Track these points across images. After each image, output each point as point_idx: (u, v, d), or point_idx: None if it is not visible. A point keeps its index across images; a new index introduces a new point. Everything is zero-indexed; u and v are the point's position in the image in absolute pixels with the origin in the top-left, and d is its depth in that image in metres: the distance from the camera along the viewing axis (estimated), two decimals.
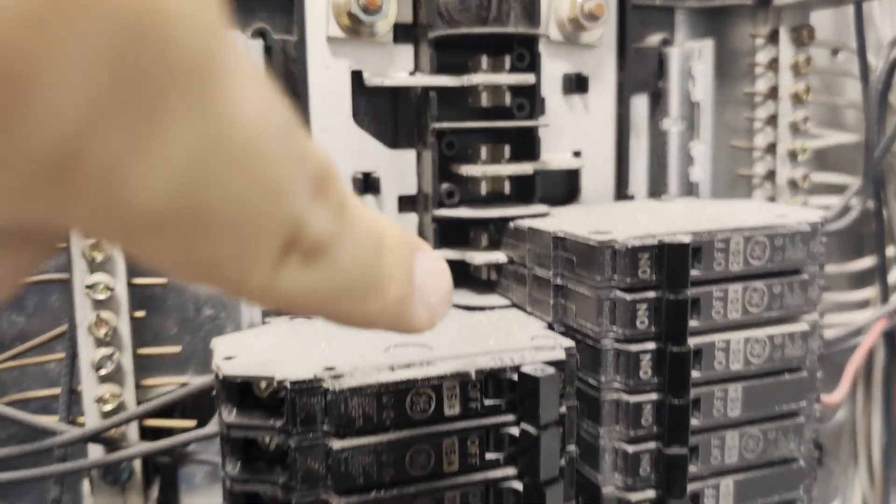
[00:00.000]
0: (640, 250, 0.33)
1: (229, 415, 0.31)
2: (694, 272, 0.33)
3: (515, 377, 0.31)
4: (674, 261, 0.32)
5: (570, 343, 0.33)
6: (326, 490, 0.30)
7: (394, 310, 0.20)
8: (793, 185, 0.48)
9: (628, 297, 0.33)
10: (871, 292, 0.54)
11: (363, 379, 0.29)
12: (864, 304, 0.54)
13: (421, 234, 0.42)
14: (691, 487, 0.35)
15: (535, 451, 0.30)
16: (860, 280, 0.54)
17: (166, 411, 0.38)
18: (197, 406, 0.39)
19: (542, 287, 0.37)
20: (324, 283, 0.18)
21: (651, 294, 0.33)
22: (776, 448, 0.36)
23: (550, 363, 0.31)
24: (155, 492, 0.39)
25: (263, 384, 0.31)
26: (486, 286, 0.42)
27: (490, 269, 0.42)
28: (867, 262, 0.53)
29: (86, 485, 0.39)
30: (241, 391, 0.31)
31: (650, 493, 0.34)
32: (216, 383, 0.31)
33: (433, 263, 0.22)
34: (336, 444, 0.29)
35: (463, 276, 0.43)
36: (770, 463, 0.37)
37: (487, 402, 0.31)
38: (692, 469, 0.35)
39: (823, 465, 0.55)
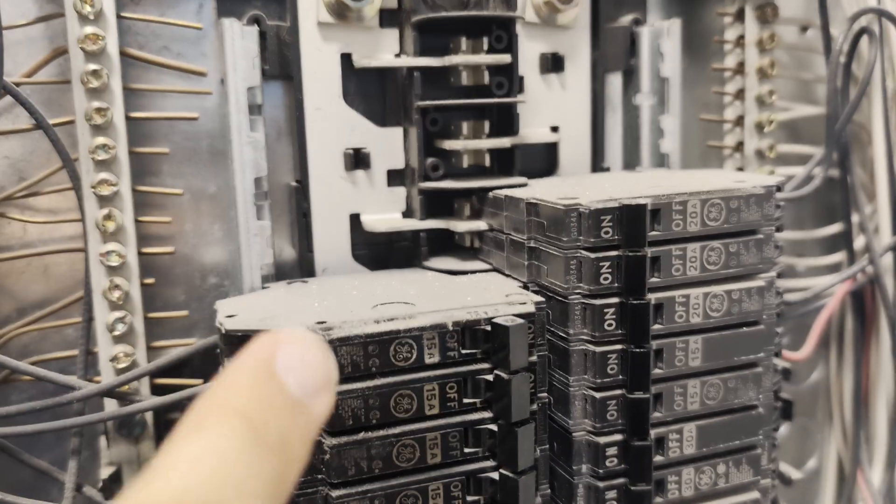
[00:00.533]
0: (602, 212, 0.36)
1: None
2: (654, 233, 0.36)
3: (489, 328, 0.34)
4: (632, 220, 0.36)
5: (540, 299, 0.36)
6: (319, 432, 0.33)
7: (307, 442, 0.22)
8: (760, 155, 0.51)
9: (592, 255, 0.36)
10: (840, 257, 0.57)
11: (351, 330, 0.33)
12: (835, 269, 0.57)
13: (409, 205, 0.46)
14: (656, 432, 0.38)
15: (507, 394, 0.34)
16: (831, 246, 0.57)
17: (176, 371, 0.42)
18: (204, 366, 0.43)
19: (517, 251, 0.40)
20: None
21: (614, 253, 0.36)
22: (736, 396, 0.39)
23: (521, 315, 0.34)
24: None
25: None
26: (470, 253, 0.46)
27: (473, 237, 0.45)
28: (836, 228, 0.56)
29: (102, 441, 0.42)
30: (242, 345, 0.34)
31: (617, 437, 0.37)
32: (219, 339, 0.35)
33: (289, 354, 0.22)
34: None
35: (448, 244, 0.46)
36: (731, 410, 0.40)
37: (464, 351, 0.34)
38: (656, 415, 0.38)
39: (794, 420, 0.58)
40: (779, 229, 0.41)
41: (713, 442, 0.39)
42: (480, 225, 0.43)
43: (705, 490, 0.39)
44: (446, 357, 0.34)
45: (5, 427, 0.37)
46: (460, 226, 0.43)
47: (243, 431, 0.20)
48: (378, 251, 0.46)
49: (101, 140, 0.38)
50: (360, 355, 0.33)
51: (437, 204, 0.45)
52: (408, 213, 0.46)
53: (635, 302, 0.36)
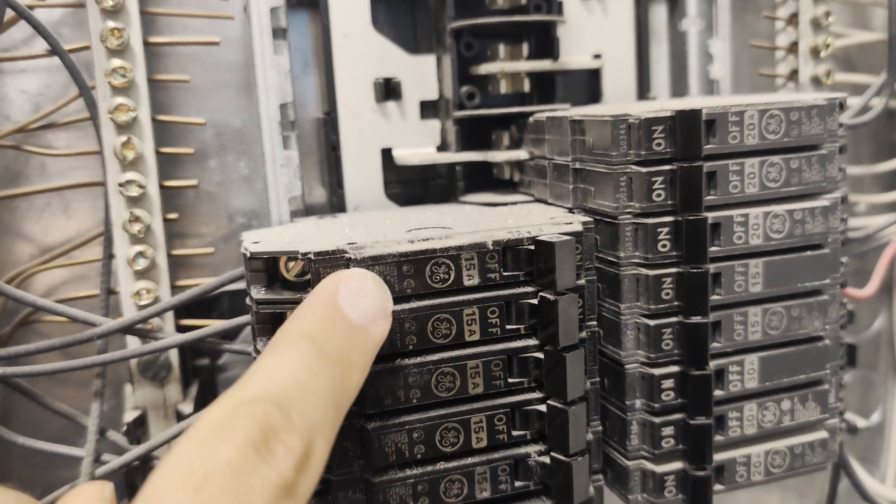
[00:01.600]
0: (654, 122, 0.33)
1: (258, 292, 0.32)
2: (709, 146, 0.34)
3: (532, 248, 0.31)
4: (687, 129, 0.33)
5: (587, 219, 0.34)
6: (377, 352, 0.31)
7: (364, 361, 0.27)
8: (816, 82, 0.48)
9: (644, 170, 0.33)
10: None
11: (383, 250, 0.30)
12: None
13: (443, 139, 0.43)
14: (715, 364, 0.35)
15: (553, 317, 0.31)
16: (891, 183, 0.54)
17: (203, 312, 0.40)
18: (232, 309, 0.41)
19: (561, 175, 0.38)
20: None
21: (667, 167, 0.33)
22: (800, 326, 0.36)
23: (567, 235, 0.32)
24: (194, 391, 0.40)
25: (291, 264, 0.32)
26: (510, 187, 0.43)
27: (512, 169, 0.42)
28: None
29: (128, 388, 0.40)
30: (269, 271, 0.32)
31: (673, 368, 0.35)
32: (245, 265, 0.33)
33: (349, 287, 0.28)
34: None
35: (486, 178, 0.43)
36: (795, 341, 0.37)
37: (506, 273, 0.32)
38: (715, 345, 0.35)
39: (857, 369, 0.55)
40: (842, 150, 0.38)
41: (777, 375, 0.36)
42: (521, 154, 0.41)
43: (769, 428, 0.37)
44: (486, 279, 0.31)
45: (26, 367, 0.35)
46: (499, 156, 0.41)
47: (308, 348, 0.25)
48: (412, 189, 0.44)
49: (117, 63, 0.36)
50: (394, 276, 0.30)
51: (474, 135, 0.43)
52: (443, 148, 0.43)
53: (692, 218, 0.33)
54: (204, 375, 0.42)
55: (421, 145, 0.43)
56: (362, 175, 0.42)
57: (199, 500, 0.19)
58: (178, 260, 0.40)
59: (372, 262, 0.30)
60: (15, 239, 0.40)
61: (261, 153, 0.40)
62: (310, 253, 0.30)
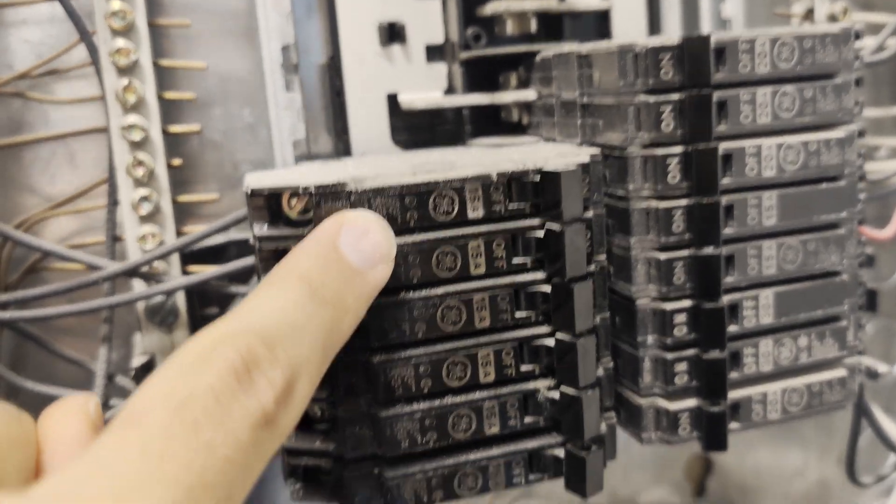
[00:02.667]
0: (660, 51, 0.32)
1: (260, 230, 0.31)
2: (719, 75, 0.33)
3: (538, 180, 0.31)
4: (695, 57, 0.32)
5: (595, 150, 0.33)
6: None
7: (360, 306, 0.27)
8: (832, 19, 0.47)
9: (651, 99, 0.32)
10: None
11: (385, 181, 0.30)
12: None
13: (450, 83, 0.42)
14: (729, 298, 0.34)
15: (560, 248, 0.30)
16: None
17: (210, 259, 0.39)
18: (240, 256, 0.40)
19: (569, 112, 0.37)
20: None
21: (675, 96, 0.33)
22: (817, 260, 0.36)
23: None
24: None
25: (293, 202, 0.32)
26: (518, 130, 0.42)
27: (521, 111, 0.42)
28: None
29: (137, 337, 0.40)
30: (271, 209, 0.32)
31: (685, 302, 0.34)
32: (246, 202, 0.32)
33: (351, 230, 0.27)
34: None
35: (494, 122, 0.43)
36: (811, 276, 0.36)
37: (511, 205, 0.31)
38: (729, 279, 0.34)
39: (878, 316, 0.53)
40: (858, 82, 0.37)
41: (793, 311, 0.36)
42: (528, 94, 0.40)
43: (786, 365, 0.36)
44: (492, 212, 0.31)
45: (33, 310, 0.35)
46: (506, 97, 0.40)
47: (302, 288, 0.25)
48: (419, 135, 0.43)
49: (117, 5, 0.36)
50: (397, 208, 0.30)
51: (481, 78, 0.42)
52: (450, 92, 0.42)
53: (702, 148, 0.32)
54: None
55: (427, 90, 0.42)
56: (368, 121, 0.42)
57: (180, 419, 0.19)
58: (183, 208, 0.40)
59: (374, 195, 0.29)
60: (21, 190, 0.40)
61: (265, 101, 0.40)
62: (310, 186, 0.30)
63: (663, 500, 0.56)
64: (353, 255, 0.27)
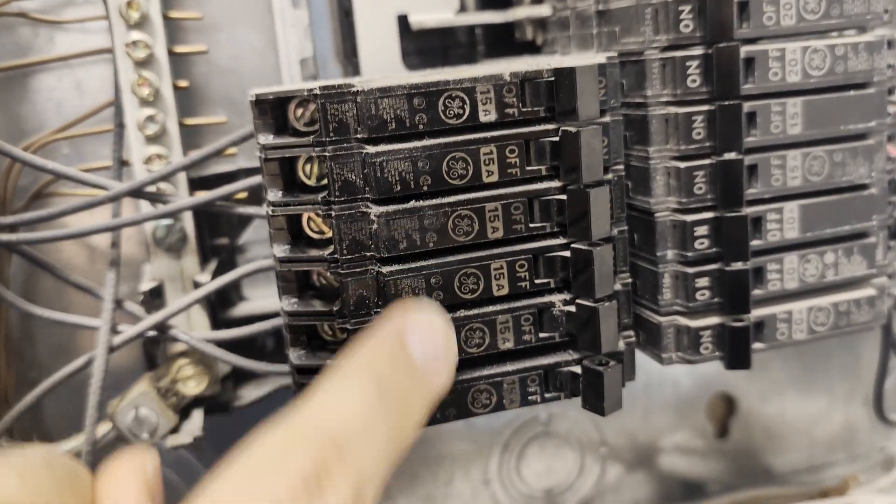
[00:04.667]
0: None
1: (266, 138, 0.30)
2: None
3: (552, 80, 0.30)
4: None
5: (612, 53, 0.32)
6: (365, 201, 0.29)
7: (423, 410, 0.26)
8: None
9: None
10: None
11: (393, 81, 0.29)
12: None
13: (462, 2, 0.41)
14: (752, 210, 0.33)
15: (575, 152, 0.29)
16: None
17: (218, 183, 0.39)
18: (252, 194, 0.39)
19: (584, 22, 0.36)
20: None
21: None
22: (844, 172, 0.34)
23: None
24: (213, 265, 0.39)
25: (299, 112, 0.31)
26: (533, 50, 0.41)
27: (535, 29, 0.40)
28: None
29: (146, 266, 0.40)
30: (277, 119, 0.31)
31: (706, 214, 0.33)
32: (251, 110, 0.31)
33: (419, 330, 0.26)
34: (371, 150, 0.29)
35: (508, 44, 0.42)
36: (838, 188, 0.34)
37: (524, 108, 0.30)
38: (752, 191, 0.33)
39: None
40: None
41: (819, 225, 0.34)
42: (543, 10, 0.39)
43: (811, 282, 0.35)
44: (504, 115, 0.30)
45: (39, 232, 0.34)
46: (520, 12, 0.39)
47: (372, 386, 0.24)
48: (431, 58, 0.42)
49: None
50: (405, 109, 0.29)
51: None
52: (461, 11, 0.41)
53: (722, 46, 0.31)
54: (223, 254, 0.41)
55: (438, 9, 0.41)
56: (378, 43, 0.40)
57: None
58: (190, 132, 0.39)
59: (381, 94, 0.28)
60: (28, 116, 0.39)
61: (273, 25, 0.39)
62: (315, 88, 0.29)
63: (685, 444, 0.55)
64: (420, 355, 0.26)
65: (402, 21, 0.41)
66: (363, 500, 0.22)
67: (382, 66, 0.41)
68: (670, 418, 0.54)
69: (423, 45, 0.41)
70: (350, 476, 0.21)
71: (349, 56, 0.41)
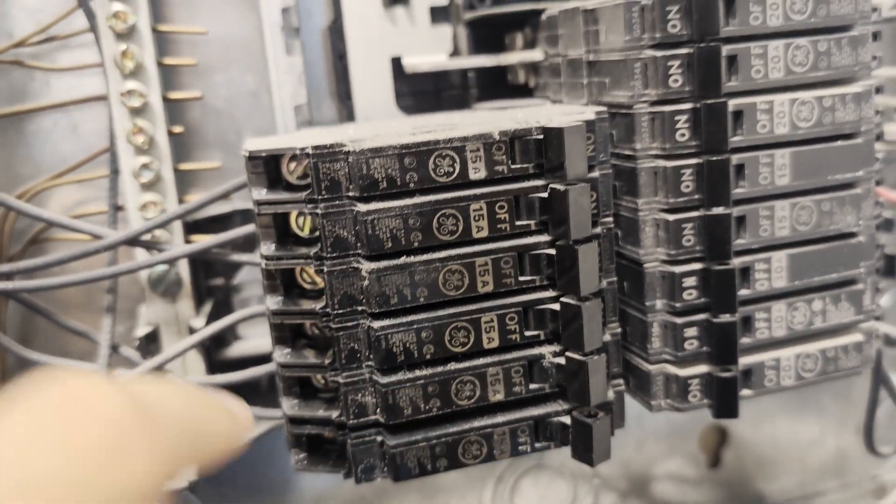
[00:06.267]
0: (668, 2, 0.31)
1: (259, 194, 0.31)
2: (729, 27, 0.32)
3: (541, 138, 0.30)
4: (703, 9, 0.31)
5: (601, 108, 0.32)
6: (356, 257, 0.30)
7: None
8: None
9: (659, 53, 0.31)
10: None
11: (384, 141, 0.29)
12: None
13: (455, 46, 0.42)
14: (741, 261, 0.33)
15: (564, 209, 0.29)
16: None
17: (214, 229, 0.39)
18: (246, 223, 0.40)
19: (576, 71, 0.36)
20: None
21: (683, 50, 0.31)
22: (832, 221, 0.34)
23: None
24: (208, 308, 0.40)
25: (292, 166, 0.31)
26: (525, 93, 0.41)
27: (527, 73, 0.41)
28: None
29: (142, 309, 0.40)
30: (270, 173, 0.31)
31: (695, 266, 0.33)
32: (245, 167, 0.32)
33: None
34: (362, 208, 0.29)
35: (501, 86, 0.42)
36: (826, 237, 0.35)
37: (514, 165, 0.30)
38: (740, 241, 0.33)
39: None
40: (876, 36, 0.36)
41: (807, 274, 0.34)
42: (535, 55, 0.39)
43: (800, 330, 0.35)
44: (494, 172, 0.30)
45: (36, 280, 0.34)
46: (512, 57, 0.39)
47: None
48: (425, 100, 0.43)
49: None
50: (396, 169, 0.29)
51: (487, 39, 0.41)
52: (454, 55, 0.42)
53: (711, 102, 0.31)
54: (219, 295, 0.42)
55: (432, 52, 0.41)
56: (372, 86, 0.41)
57: None
58: (185, 176, 0.39)
59: (372, 155, 0.29)
60: (24, 160, 0.40)
61: (267, 67, 0.39)
62: (307, 147, 0.29)
63: (678, 472, 0.55)
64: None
65: (396, 64, 0.41)
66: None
67: (376, 108, 0.41)
68: (663, 448, 0.54)
69: (416, 87, 0.42)
70: None
71: (343, 98, 0.41)
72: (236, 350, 0.41)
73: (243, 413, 0.25)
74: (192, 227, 0.39)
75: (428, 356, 0.30)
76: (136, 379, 0.22)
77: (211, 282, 0.41)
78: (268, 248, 0.31)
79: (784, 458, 0.57)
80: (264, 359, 0.38)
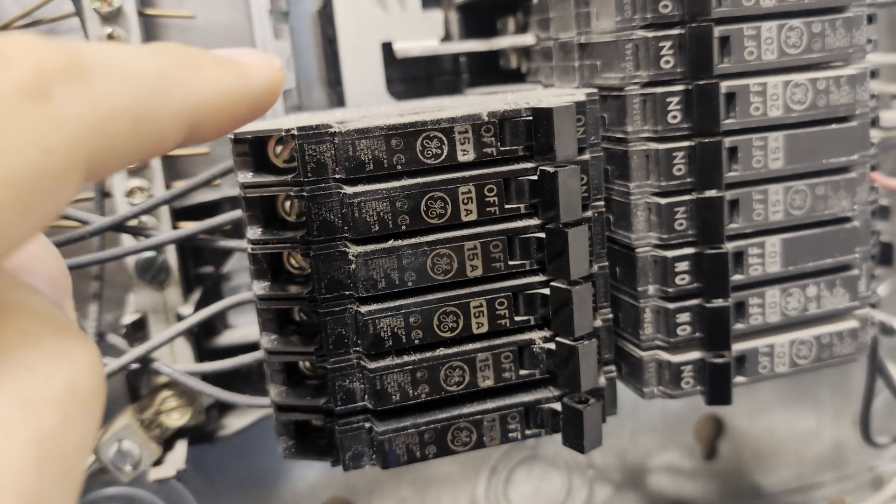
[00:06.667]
0: None
1: (245, 177, 0.30)
2: (721, 7, 0.31)
3: (531, 118, 0.29)
4: None
5: (592, 90, 0.32)
6: (343, 241, 0.29)
7: (222, 70, 0.19)
8: None
9: (651, 34, 0.31)
10: None
11: (371, 122, 0.29)
12: None
13: (447, 31, 0.41)
14: (734, 245, 0.33)
15: (553, 192, 0.29)
16: None
17: (201, 215, 0.38)
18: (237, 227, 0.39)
19: (567, 54, 0.36)
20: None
21: (675, 31, 0.31)
22: (826, 206, 0.34)
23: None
24: (196, 295, 0.39)
25: (279, 149, 0.31)
26: (517, 78, 0.41)
27: (519, 58, 0.40)
28: None
29: (130, 297, 0.40)
30: (256, 156, 0.31)
31: (687, 250, 0.33)
32: (232, 150, 0.31)
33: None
34: (349, 190, 0.28)
35: (493, 71, 0.41)
36: (821, 222, 0.34)
37: (503, 147, 0.30)
38: (733, 225, 0.33)
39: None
40: (871, 19, 0.35)
41: (801, 259, 0.34)
42: (526, 39, 0.39)
43: (794, 315, 0.34)
44: (483, 154, 0.30)
45: None
46: (504, 41, 0.39)
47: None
48: (416, 86, 0.42)
49: None
50: (383, 150, 0.29)
51: (478, 24, 0.41)
52: (445, 39, 0.41)
53: (702, 84, 0.31)
54: (208, 283, 0.41)
55: (423, 37, 0.41)
56: (362, 71, 0.40)
57: None
58: (174, 162, 0.39)
59: (358, 136, 0.28)
60: None
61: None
62: (293, 129, 0.29)
63: (673, 464, 0.54)
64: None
65: (387, 49, 0.41)
66: (91, 68, 0.15)
67: (367, 93, 0.40)
68: (658, 439, 0.54)
69: (407, 72, 0.41)
70: (47, 44, 0.14)
71: (333, 84, 0.40)
72: (226, 338, 0.41)
73: (256, 59, 0.21)
74: (181, 214, 0.39)
75: (416, 341, 0.30)
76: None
77: (200, 269, 0.41)
78: (254, 232, 0.31)
79: (781, 450, 0.57)
80: (254, 347, 0.38)
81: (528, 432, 0.32)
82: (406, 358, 0.30)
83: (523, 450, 0.50)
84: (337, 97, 0.40)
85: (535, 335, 0.31)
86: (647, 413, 0.53)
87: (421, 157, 0.29)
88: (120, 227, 0.34)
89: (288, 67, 0.38)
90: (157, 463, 0.37)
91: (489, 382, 0.31)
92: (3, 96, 0.14)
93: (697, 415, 0.54)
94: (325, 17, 0.40)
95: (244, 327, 0.42)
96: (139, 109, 0.16)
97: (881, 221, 0.45)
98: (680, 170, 0.32)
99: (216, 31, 0.40)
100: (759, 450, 0.56)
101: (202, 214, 0.38)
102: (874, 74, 0.36)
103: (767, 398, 0.55)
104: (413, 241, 0.29)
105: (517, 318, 0.31)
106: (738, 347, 0.34)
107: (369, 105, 0.41)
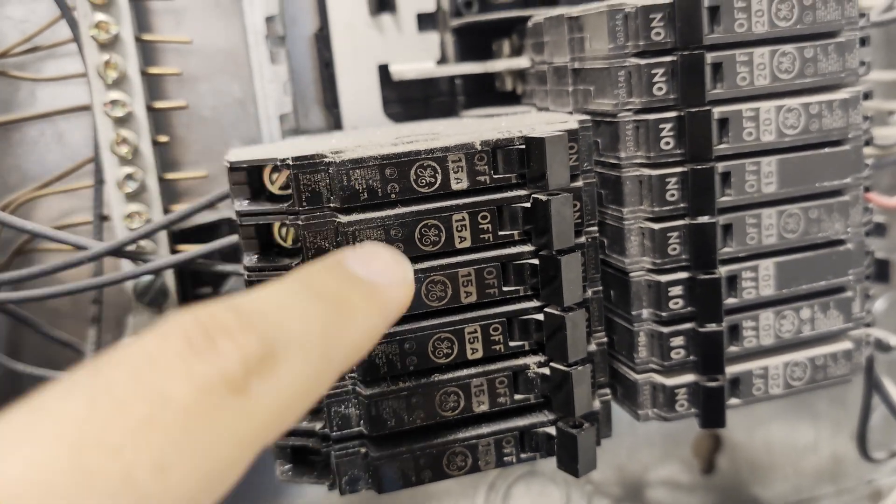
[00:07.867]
0: (651, 10, 0.31)
1: (241, 205, 0.31)
2: (713, 34, 0.31)
3: (524, 147, 0.30)
4: (687, 15, 0.31)
5: (584, 117, 0.32)
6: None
7: (370, 310, 0.22)
8: None
9: (643, 62, 0.31)
10: None
11: (365, 152, 0.29)
12: None
13: (443, 53, 0.41)
14: (727, 269, 0.33)
15: (546, 219, 0.29)
16: None
17: (200, 238, 0.39)
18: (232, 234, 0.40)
19: (561, 79, 0.36)
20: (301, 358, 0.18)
21: (667, 58, 0.31)
22: (820, 229, 0.34)
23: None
24: None
25: (274, 177, 0.31)
26: (512, 100, 0.41)
27: (515, 80, 0.40)
28: None
29: (130, 319, 0.40)
30: (253, 184, 0.31)
31: (681, 275, 0.33)
32: (228, 177, 0.31)
33: (362, 252, 0.24)
34: (343, 219, 0.29)
35: (488, 92, 0.42)
36: (814, 245, 0.35)
37: (496, 175, 0.30)
38: (726, 250, 0.33)
39: (892, 284, 0.52)
40: (864, 42, 0.35)
41: (795, 282, 0.34)
42: (521, 62, 0.39)
43: (788, 338, 0.35)
44: (476, 182, 0.30)
45: (20, 292, 0.34)
46: (499, 65, 0.39)
47: (296, 281, 0.21)
48: (412, 108, 0.42)
49: None
50: (377, 180, 0.29)
51: (474, 46, 0.41)
52: (442, 62, 0.41)
53: (695, 111, 0.31)
54: None
55: (419, 60, 0.41)
56: (359, 94, 0.41)
57: (97, 382, 0.15)
58: (171, 186, 0.39)
59: (353, 166, 0.29)
60: (10, 170, 0.39)
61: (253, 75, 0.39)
62: (288, 159, 0.29)
63: (672, 478, 0.55)
64: (361, 270, 0.23)
65: (383, 71, 0.41)
66: (282, 361, 0.17)
67: (364, 115, 0.41)
68: (657, 453, 0.54)
69: (404, 94, 0.42)
70: (255, 332, 0.17)
71: (330, 106, 0.41)
72: None
73: (393, 276, 0.23)
74: (179, 237, 0.39)
75: (411, 367, 0.30)
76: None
77: (199, 291, 0.41)
78: (250, 259, 0.31)
79: (779, 464, 0.57)
80: None
81: (522, 456, 0.32)
82: (401, 384, 0.30)
83: (521, 466, 0.50)
84: (334, 119, 0.41)
85: (530, 360, 0.31)
86: (645, 428, 0.53)
87: (415, 186, 0.29)
88: (118, 251, 0.35)
89: (285, 91, 0.38)
90: None
91: (484, 407, 0.31)
92: (211, 388, 0.16)
93: (695, 429, 0.54)
94: (322, 40, 0.40)
95: None
96: (315, 391, 0.19)
97: (876, 239, 0.45)
98: (673, 195, 0.32)
99: (213, 55, 0.40)
100: (758, 463, 0.56)
101: (201, 235, 0.39)
102: (868, 96, 0.36)
103: (765, 412, 0.56)
104: None
105: (511, 344, 0.31)
106: (732, 370, 0.34)
107: (366, 127, 0.41)
